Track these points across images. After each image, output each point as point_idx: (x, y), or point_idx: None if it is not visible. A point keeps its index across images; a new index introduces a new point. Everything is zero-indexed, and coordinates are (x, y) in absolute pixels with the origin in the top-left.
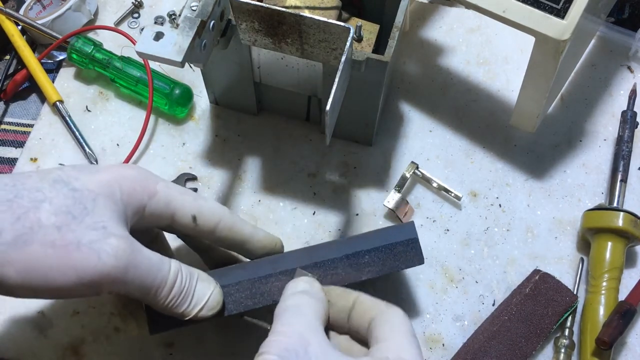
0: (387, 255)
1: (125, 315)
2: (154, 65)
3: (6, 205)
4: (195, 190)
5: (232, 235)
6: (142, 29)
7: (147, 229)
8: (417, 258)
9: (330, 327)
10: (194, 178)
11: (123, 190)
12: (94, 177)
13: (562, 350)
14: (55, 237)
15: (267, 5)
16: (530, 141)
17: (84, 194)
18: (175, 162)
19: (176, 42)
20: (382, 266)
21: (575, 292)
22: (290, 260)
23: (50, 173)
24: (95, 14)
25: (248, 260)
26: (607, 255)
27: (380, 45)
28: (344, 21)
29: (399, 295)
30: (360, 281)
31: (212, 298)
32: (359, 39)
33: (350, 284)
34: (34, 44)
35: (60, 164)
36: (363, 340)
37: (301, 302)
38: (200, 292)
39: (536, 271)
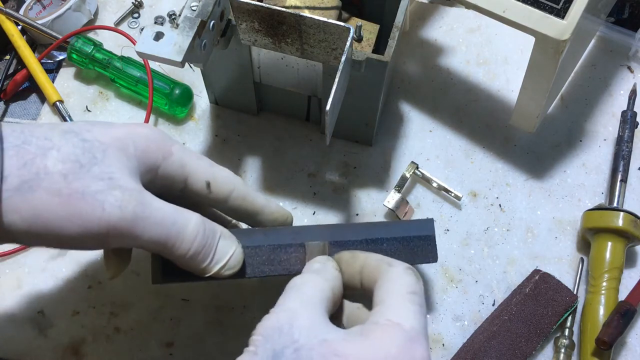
0: (403, 247)
1: (109, 256)
2: (154, 65)
3: (14, 150)
4: None
5: (245, 205)
6: (142, 29)
7: (161, 193)
8: (431, 255)
9: (345, 295)
10: None
11: (137, 146)
12: (107, 131)
13: (562, 350)
14: (61, 185)
15: (267, 5)
16: (530, 141)
17: (94, 145)
18: None
19: (176, 42)
20: (397, 257)
21: (575, 292)
22: (312, 233)
23: (61, 124)
24: (95, 14)
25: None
26: (607, 255)
27: (380, 45)
28: (344, 21)
29: None
30: None
31: (234, 257)
32: (359, 39)
33: None
34: (34, 44)
35: None
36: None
37: (305, 281)
38: (222, 249)
39: (536, 271)
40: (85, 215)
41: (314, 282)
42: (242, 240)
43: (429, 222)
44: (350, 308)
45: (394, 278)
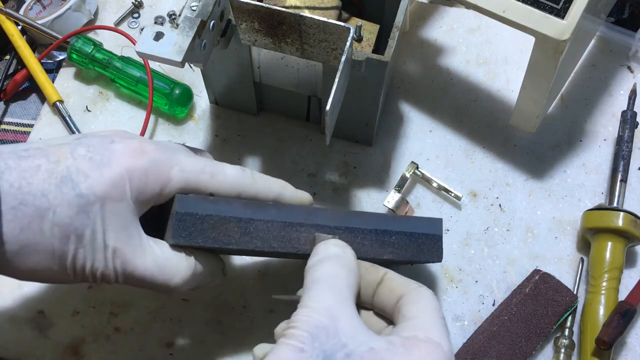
0: (411, 242)
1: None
2: (154, 65)
3: (11, 214)
4: None
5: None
6: (142, 29)
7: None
8: (437, 254)
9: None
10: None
11: (133, 186)
12: (103, 173)
13: (562, 350)
14: (55, 247)
15: (267, 5)
16: (530, 141)
17: (89, 200)
18: None
19: (176, 42)
20: (404, 251)
21: (575, 292)
22: (325, 217)
23: (59, 163)
24: (95, 14)
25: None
26: (607, 255)
27: (380, 45)
28: (344, 21)
29: None
30: (380, 260)
31: (214, 283)
32: (359, 39)
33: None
34: (34, 44)
35: None
36: (387, 317)
37: (333, 273)
38: (207, 279)
39: (536, 271)
40: (78, 271)
41: (344, 275)
42: (256, 213)
43: (438, 222)
44: (363, 314)
45: (427, 298)
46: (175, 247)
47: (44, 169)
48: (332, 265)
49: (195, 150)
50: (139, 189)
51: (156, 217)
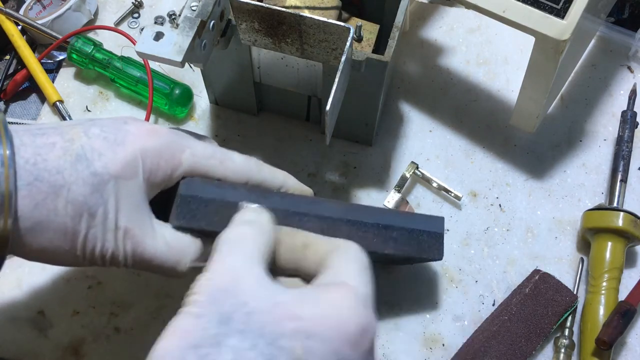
0: (412, 238)
1: None
2: (154, 65)
3: (26, 189)
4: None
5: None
6: (142, 29)
7: None
8: (437, 252)
9: (278, 268)
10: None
11: (146, 167)
12: (117, 152)
13: (562, 350)
14: (68, 225)
15: (267, 5)
16: (530, 141)
17: (103, 179)
18: None
19: (176, 42)
20: (405, 246)
21: (575, 292)
22: (328, 208)
23: (74, 142)
24: (95, 14)
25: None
26: (607, 255)
27: (380, 45)
28: (344, 21)
29: (399, 294)
30: (381, 254)
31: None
32: (359, 39)
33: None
34: (34, 44)
35: None
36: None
37: (241, 236)
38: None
39: (536, 271)
40: (87, 251)
41: (254, 237)
42: (260, 200)
43: (440, 220)
44: (287, 281)
45: (352, 251)
46: (179, 229)
47: (58, 146)
48: (240, 229)
49: (201, 137)
50: (152, 170)
51: (161, 203)
